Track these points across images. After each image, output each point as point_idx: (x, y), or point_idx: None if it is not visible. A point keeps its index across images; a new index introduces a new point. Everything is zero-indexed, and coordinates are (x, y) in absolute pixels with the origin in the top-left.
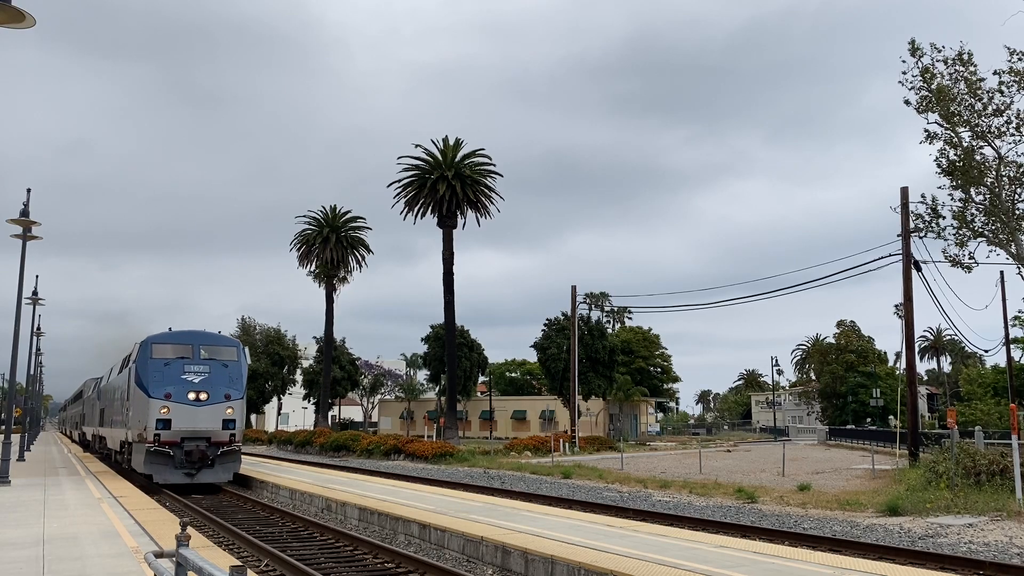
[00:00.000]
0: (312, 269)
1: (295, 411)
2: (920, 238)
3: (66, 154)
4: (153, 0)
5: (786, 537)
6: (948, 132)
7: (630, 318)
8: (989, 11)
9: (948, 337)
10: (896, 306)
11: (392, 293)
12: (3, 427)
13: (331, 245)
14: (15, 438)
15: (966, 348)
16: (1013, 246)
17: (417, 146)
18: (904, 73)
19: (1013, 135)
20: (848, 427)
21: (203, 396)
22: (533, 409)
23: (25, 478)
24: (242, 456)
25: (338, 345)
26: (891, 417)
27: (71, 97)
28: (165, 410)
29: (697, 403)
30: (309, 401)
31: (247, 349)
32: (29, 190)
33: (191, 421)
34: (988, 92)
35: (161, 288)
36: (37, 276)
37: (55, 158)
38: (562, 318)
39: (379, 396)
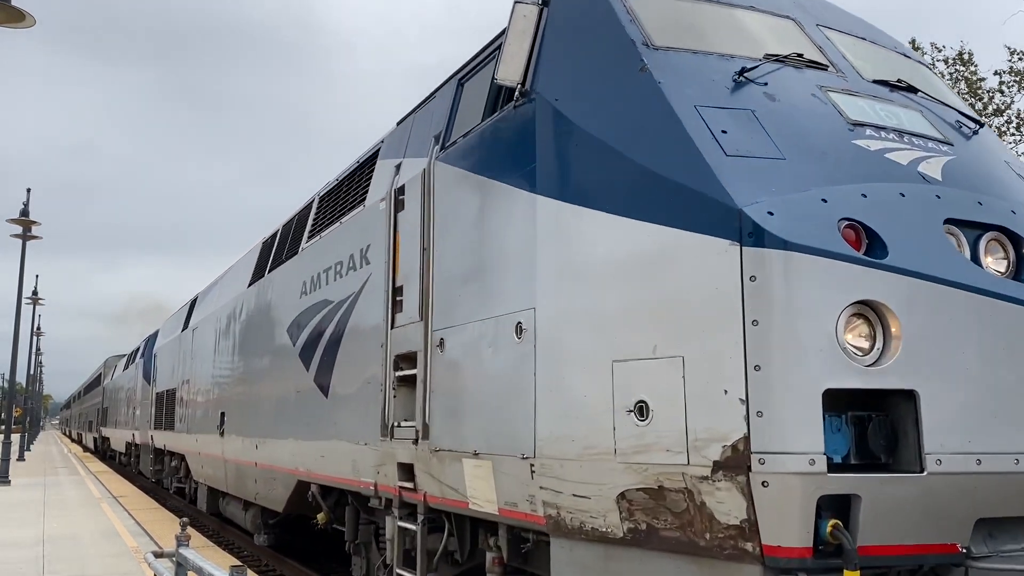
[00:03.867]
0: None
1: None
2: None
3: (70, 155)
4: (159, 5)
5: None
6: None
7: None
8: (989, 11)
9: None
10: None
11: None
12: (3, 427)
13: None
14: (15, 438)
15: None
16: None
17: None
18: None
19: (1013, 135)
20: None
21: None
22: None
23: (25, 478)
24: None
25: None
26: None
27: (77, 100)
28: None
29: None
30: None
31: None
32: (29, 190)
33: None
34: (988, 92)
35: (162, 287)
36: (37, 276)
37: (59, 159)
38: None
39: None
